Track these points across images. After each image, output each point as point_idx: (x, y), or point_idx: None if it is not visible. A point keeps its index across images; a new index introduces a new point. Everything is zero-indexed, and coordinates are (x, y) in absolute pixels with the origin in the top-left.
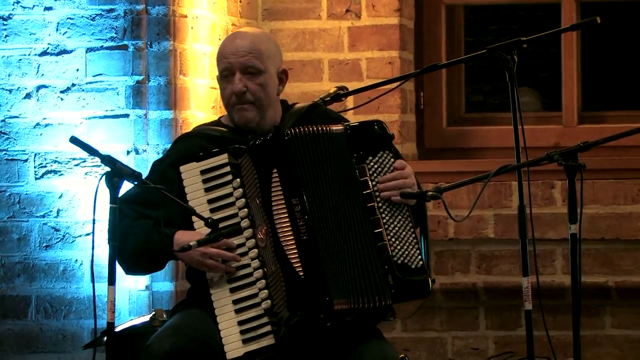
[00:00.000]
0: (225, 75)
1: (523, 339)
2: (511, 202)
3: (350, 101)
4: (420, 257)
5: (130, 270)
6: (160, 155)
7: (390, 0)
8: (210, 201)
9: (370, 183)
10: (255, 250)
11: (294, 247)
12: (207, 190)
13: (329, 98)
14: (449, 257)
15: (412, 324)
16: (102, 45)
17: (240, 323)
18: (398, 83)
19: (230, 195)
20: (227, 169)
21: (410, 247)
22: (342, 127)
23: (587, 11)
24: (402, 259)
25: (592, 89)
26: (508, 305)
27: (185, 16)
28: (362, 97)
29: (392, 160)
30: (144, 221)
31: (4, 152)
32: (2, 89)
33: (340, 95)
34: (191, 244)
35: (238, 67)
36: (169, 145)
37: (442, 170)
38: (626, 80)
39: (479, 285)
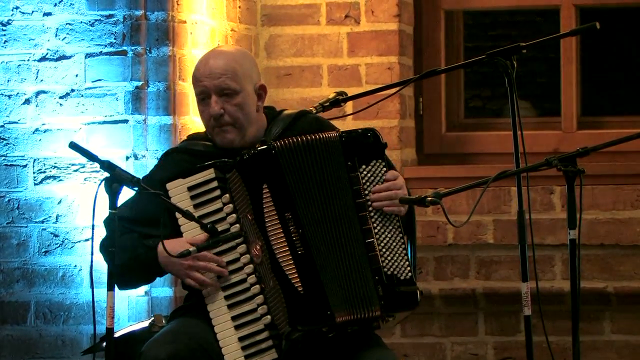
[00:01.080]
0: (202, 99)
1: (522, 345)
2: (510, 208)
3: (349, 107)
4: (409, 268)
5: (121, 285)
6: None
7: (389, 6)
8: (200, 217)
9: (362, 192)
10: (251, 265)
11: (291, 262)
12: (196, 206)
13: (327, 104)
14: (448, 262)
15: (411, 329)
16: (101, 51)
17: (241, 339)
18: (397, 88)
19: (220, 210)
20: (215, 184)
21: (400, 258)
22: (336, 135)
23: (586, 17)
24: (391, 269)
25: (591, 95)
26: (507, 310)
27: (185, 22)
28: (361, 103)
29: (385, 169)
30: (130, 235)
31: (3, 158)
32: (1, 94)
33: (339, 100)
34: (190, 249)
35: (213, 90)
36: None
37: (441, 175)
38: (625, 85)
39: (478, 290)
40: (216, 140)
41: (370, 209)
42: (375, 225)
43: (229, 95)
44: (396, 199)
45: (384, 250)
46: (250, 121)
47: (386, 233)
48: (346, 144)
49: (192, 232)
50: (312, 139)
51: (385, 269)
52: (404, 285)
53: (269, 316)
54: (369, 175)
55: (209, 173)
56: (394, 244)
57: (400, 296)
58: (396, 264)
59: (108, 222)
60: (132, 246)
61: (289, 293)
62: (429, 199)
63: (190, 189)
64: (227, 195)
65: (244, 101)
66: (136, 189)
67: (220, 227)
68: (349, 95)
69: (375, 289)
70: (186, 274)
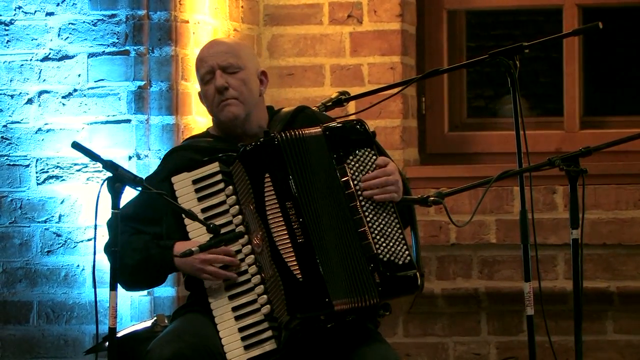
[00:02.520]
0: (207, 80)
1: (525, 344)
2: (513, 208)
3: (352, 106)
4: (407, 252)
5: (130, 286)
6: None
7: (392, 6)
8: (203, 210)
9: (351, 183)
10: (252, 256)
11: (291, 250)
12: (199, 199)
13: (330, 103)
14: (450, 262)
15: (414, 329)
16: (104, 51)
17: (240, 330)
18: (400, 88)
19: (223, 203)
20: (219, 177)
21: (397, 243)
22: (320, 129)
23: (588, 16)
24: (388, 256)
25: (594, 94)
26: (510, 310)
27: (187, 21)
28: (363, 103)
29: (374, 158)
30: (141, 236)
31: (5, 158)
32: (4, 94)
33: (341, 100)
34: (193, 249)
35: (217, 67)
36: None
37: (444, 175)
38: (628, 85)
39: (481, 290)
40: (220, 116)
41: (361, 198)
42: (367, 214)
43: (233, 72)
44: (387, 186)
45: (378, 237)
46: (254, 101)
47: (380, 220)
48: (330, 138)
49: (197, 231)
50: (300, 133)
51: (381, 256)
52: (402, 270)
53: (268, 305)
54: (357, 165)
55: (214, 166)
56: (389, 230)
57: (398, 281)
58: (392, 249)
59: (111, 224)
60: (145, 247)
61: (288, 281)
62: (432, 198)
63: (194, 182)
64: (231, 187)
65: (247, 77)
66: (139, 188)
67: (223, 220)
68: (352, 95)
69: (371, 276)
70: (200, 269)
